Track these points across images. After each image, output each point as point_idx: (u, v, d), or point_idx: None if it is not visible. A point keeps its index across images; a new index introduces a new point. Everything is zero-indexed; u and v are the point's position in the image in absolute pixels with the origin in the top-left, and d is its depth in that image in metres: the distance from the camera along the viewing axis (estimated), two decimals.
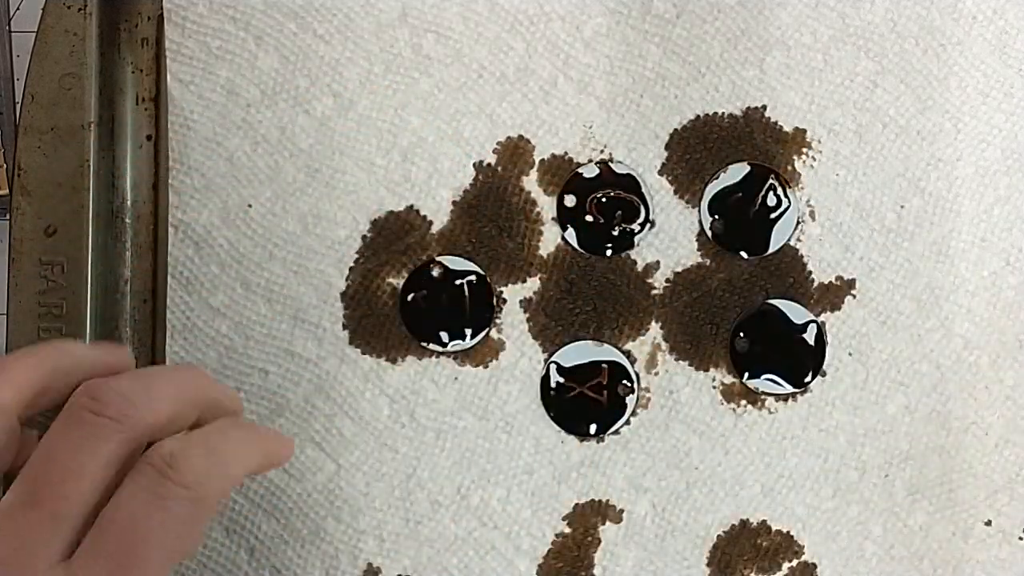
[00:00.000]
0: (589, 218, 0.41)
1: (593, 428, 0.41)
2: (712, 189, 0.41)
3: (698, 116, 0.41)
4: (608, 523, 0.41)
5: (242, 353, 0.41)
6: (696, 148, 0.41)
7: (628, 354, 0.41)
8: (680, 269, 0.41)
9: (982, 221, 0.42)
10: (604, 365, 0.41)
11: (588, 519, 0.41)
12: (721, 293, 0.41)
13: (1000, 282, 0.42)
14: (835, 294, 0.42)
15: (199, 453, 0.33)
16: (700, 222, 0.41)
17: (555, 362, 0.41)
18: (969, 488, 0.41)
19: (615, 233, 0.41)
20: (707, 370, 0.42)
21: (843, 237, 0.42)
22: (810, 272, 0.42)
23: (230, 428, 0.35)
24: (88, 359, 0.36)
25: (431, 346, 0.41)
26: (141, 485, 0.32)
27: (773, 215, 0.41)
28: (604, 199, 0.41)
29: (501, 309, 0.41)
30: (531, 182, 0.42)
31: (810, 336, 0.41)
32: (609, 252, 0.41)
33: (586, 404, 0.41)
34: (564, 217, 0.41)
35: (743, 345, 0.41)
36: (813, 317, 0.41)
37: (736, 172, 0.41)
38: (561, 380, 0.41)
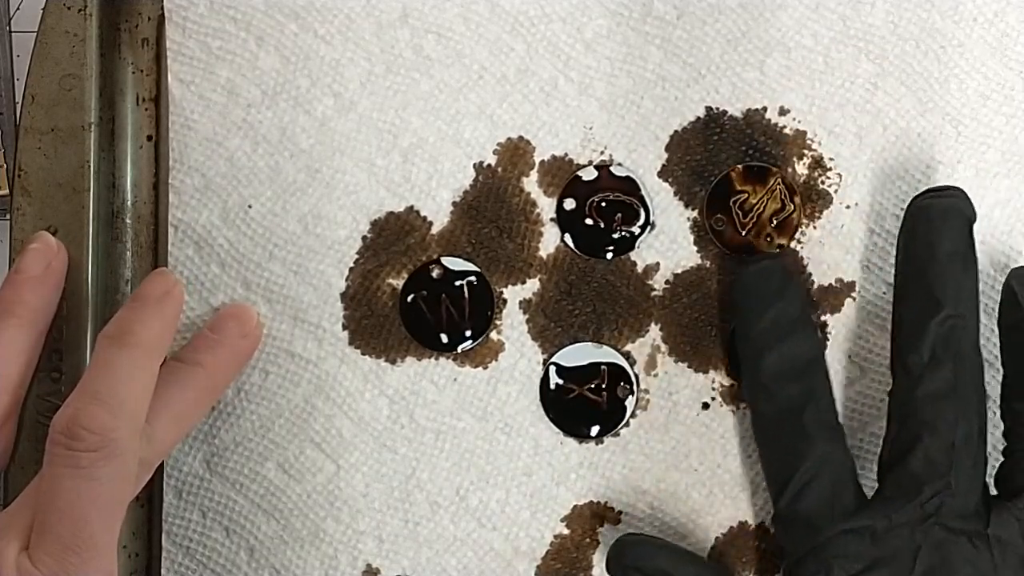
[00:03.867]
0: (589, 221, 0.41)
1: (593, 430, 0.41)
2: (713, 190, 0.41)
3: (698, 118, 0.41)
4: (607, 524, 0.41)
5: None
6: (696, 150, 0.41)
7: (627, 356, 0.41)
8: (680, 271, 0.41)
9: (981, 224, 0.42)
10: (603, 367, 0.41)
11: (587, 520, 0.41)
12: (721, 295, 0.41)
13: (999, 286, 0.42)
14: (835, 296, 0.42)
15: (93, 409, 0.34)
16: (701, 223, 0.41)
17: (555, 363, 0.41)
18: None
19: (615, 236, 0.41)
20: (706, 372, 0.41)
21: (843, 239, 0.42)
22: (810, 274, 0.42)
23: (115, 361, 0.35)
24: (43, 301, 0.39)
25: (430, 347, 0.41)
26: (58, 466, 0.34)
27: (775, 217, 0.41)
28: (603, 203, 0.41)
29: (501, 310, 0.41)
30: (531, 183, 0.42)
31: None
32: (609, 255, 0.41)
33: (585, 406, 0.41)
34: (563, 221, 0.41)
35: None
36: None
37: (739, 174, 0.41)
38: (560, 382, 0.41)
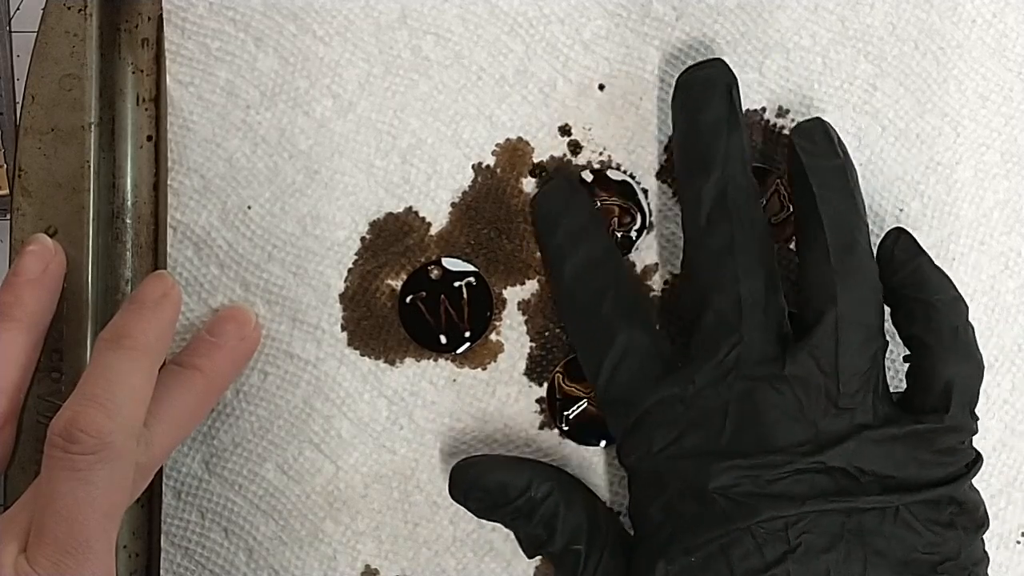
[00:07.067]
0: None
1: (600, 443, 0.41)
2: None
3: None
4: None
5: None
6: None
7: None
8: (678, 272, 0.41)
9: (981, 225, 0.42)
10: None
11: None
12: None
13: (998, 286, 0.42)
14: None
15: (90, 412, 0.34)
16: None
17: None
18: None
19: (614, 238, 0.41)
20: None
21: None
22: None
23: (112, 364, 0.36)
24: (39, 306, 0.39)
25: (429, 348, 0.41)
26: (55, 468, 0.34)
27: (774, 219, 0.41)
28: (601, 206, 0.41)
29: (500, 311, 0.41)
30: (530, 184, 0.42)
31: None
32: None
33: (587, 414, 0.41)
34: None
35: None
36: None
37: None
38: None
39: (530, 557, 0.40)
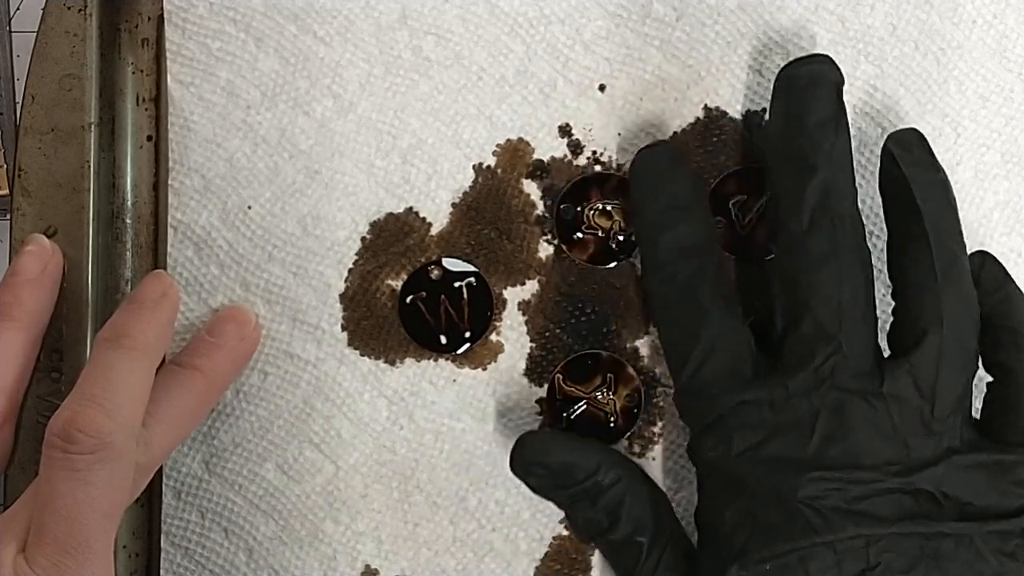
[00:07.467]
0: (587, 231, 0.41)
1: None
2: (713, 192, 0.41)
3: (698, 119, 0.41)
4: None
5: None
6: (695, 152, 0.41)
7: (628, 357, 0.41)
8: None
9: (981, 226, 0.42)
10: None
11: None
12: None
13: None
14: None
15: (89, 411, 0.34)
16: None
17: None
18: None
19: (613, 246, 0.41)
20: None
21: None
22: None
23: (111, 363, 0.36)
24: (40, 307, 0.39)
25: (430, 348, 0.41)
26: (54, 468, 0.34)
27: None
28: (602, 208, 0.41)
29: (500, 311, 0.41)
30: (530, 185, 0.42)
31: None
32: (612, 264, 0.41)
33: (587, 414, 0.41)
34: (563, 229, 0.41)
35: None
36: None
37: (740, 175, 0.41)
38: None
39: (585, 542, 0.39)
